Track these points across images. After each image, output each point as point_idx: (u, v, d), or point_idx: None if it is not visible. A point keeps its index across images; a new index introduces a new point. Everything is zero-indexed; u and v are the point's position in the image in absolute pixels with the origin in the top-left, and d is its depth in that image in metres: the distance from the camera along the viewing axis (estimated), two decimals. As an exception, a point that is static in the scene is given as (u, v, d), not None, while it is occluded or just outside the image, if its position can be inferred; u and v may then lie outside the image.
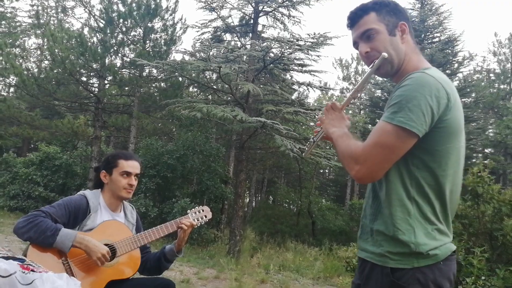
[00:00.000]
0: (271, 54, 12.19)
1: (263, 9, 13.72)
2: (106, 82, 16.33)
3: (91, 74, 17.04)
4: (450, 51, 18.21)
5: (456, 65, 19.00)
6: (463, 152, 1.71)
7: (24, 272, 1.45)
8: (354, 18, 1.78)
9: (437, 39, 18.73)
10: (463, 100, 18.26)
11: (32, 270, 1.52)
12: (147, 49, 14.83)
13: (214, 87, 15.67)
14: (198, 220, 2.93)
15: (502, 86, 23.44)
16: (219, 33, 14.68)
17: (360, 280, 1.74)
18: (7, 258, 1.72)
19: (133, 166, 2.80)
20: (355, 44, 1.82)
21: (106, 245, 2.52)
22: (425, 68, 1.68)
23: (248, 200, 22.32)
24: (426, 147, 1.59)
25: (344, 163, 1.68)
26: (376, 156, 1.57)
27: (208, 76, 16.45)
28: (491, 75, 24.71)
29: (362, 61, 1.87)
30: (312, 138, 2.01)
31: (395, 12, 1.76)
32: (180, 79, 15.03)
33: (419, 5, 18.86)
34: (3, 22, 24.03)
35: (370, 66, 1.76)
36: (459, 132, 1.65)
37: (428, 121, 1.53)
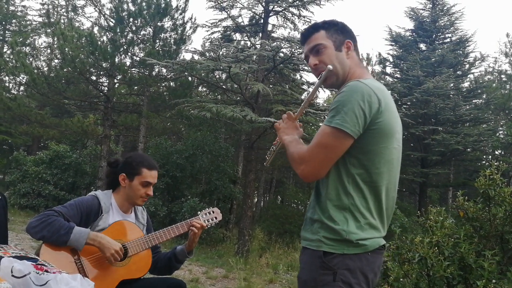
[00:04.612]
0: (281, 54, 12.14)
1: (273, 9, 13.67)
2: (115, 81, 16.39)
3: (101, 73, 17.10)
4: (461, 52, 18.05)
5: (467, 66, 18.83)
6: (398, 154, 1.91)
7: (38, 273, 1.43)
8: (306, 35, 2.02)
9: (448, 40, 18.58)
10: (474, 101, 18.10)
11: (46, 271, 1.50)
12: (157, 48, 14.84)
13: (224, 87, 15.65)
14: (208, 221, 2.94)
15: (513, 88, 23.18)
16: (229, 32, 14.65)
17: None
18: (20, 258, 1.71)
19: (155, 176, 2.80)
20: (306, 58, 2.04)
21: (117, 245, 2.52)
22: (363, 78, 1.86)
23: (256, 200, 22.30)
24: (361, 147, 1.77)
25: (292, 164, 1.89)
26: (318, 155, 1.77)
27: (217, 76, 16.45)
28: (503, 76, 24.43)
29: (312, 73, 2.07)
30: (272, 148, 2.19)
31: (342, 31, 1.99)
32: (190, 78, 15.04)
33: (431, 5, 18.70)
34: (14, 20, 24.23)
35: (318, 77, 1.96)
36: (392, 134, 1.82)
37: (361, 123, 1.72)
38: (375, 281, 1.87)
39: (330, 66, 1.90)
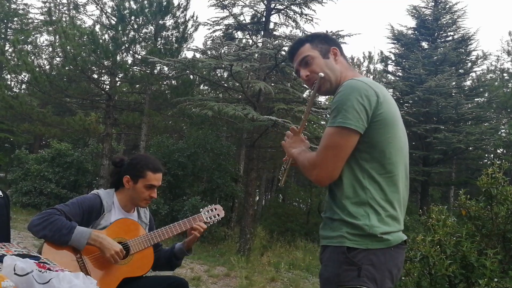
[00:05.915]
0: (283, 52, 12.10)
1: (275, 7, 13.65)
2: (117, 79, 16.39)
3: (103, 71, 17.13)
4: (463, 50, 18.03)
5: (469, 64, 18.81)
6: (405, 142, 1.94)
7: (40, 271, 1.43)
8: (293, 51, 2.08)
9: (450, 38, 18.54)
10: (476, 99, 18.08)
11: (49, 269, 1.51)
12: (159, 47, 14.83)
13: (225, 85, 15.64)
14: (210, 218, 2.94)
15: (515, 86, 23.13)
16: (230, 30, 14.62)
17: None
18: (23, 256, 1.71)
19: (159, 179, 2.78)
20: (297, 72, 2.08)
21: (119, 243, 2.54)
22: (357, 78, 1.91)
23: (258, 198, 22.30)
24: (368, 141, 1.79)
25: (305, 172, 1.92)
26: (328, 157, 1.79)
27: (219, 74, 16.42)
28: (505, 74, 24.43)
29: (306, 85, 2.17)
30: (283, 166, 2.21)
31: (326, 40, 2.06)
32: (191, 77, 15.01)
33: (433, 3, 18.66)
34: (16, 19, 24.23)
35: (312, 87, 2.01)
36: (395, 123, 1.86)
37: (364, 117, 1.75)
38: (398, 276, 1.88)
39: (321, 74, 1.94)
